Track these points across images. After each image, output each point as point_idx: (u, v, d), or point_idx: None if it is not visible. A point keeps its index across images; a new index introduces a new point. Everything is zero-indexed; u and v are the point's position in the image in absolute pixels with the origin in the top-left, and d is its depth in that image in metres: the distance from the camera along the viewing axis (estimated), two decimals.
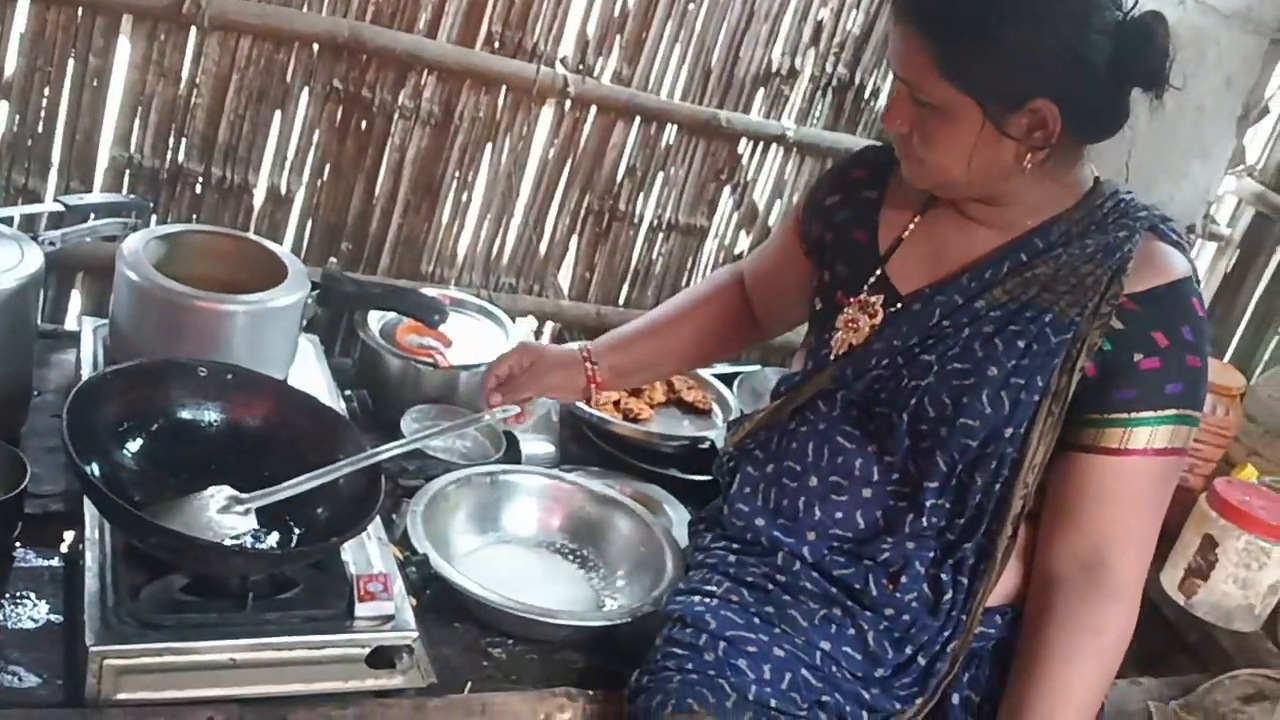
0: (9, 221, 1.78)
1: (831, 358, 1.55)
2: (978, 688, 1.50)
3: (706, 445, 2.19)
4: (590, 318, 2.75)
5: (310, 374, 1.96)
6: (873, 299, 1.54)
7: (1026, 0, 1.34)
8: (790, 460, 1.56)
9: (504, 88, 2.42)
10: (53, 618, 1.46)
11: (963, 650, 1.48)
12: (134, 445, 1.55)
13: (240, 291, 1.78)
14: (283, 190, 2.36)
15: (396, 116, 2.36)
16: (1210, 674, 1.91)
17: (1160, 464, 1.43)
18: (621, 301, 2.79)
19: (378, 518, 1.54)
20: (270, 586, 1.45)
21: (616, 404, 2.22)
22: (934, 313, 1.48)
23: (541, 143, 2.55)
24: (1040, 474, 1.46)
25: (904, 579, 1.49)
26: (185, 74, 2.19)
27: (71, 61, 2.10)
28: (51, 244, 1.78)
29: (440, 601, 1.60)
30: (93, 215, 1.91)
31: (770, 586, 1.53)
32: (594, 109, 2.54)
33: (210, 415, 1.62)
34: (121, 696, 1.32)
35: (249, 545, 1.47)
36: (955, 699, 1.49)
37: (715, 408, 2.36)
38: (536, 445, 2.03)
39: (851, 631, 1.49)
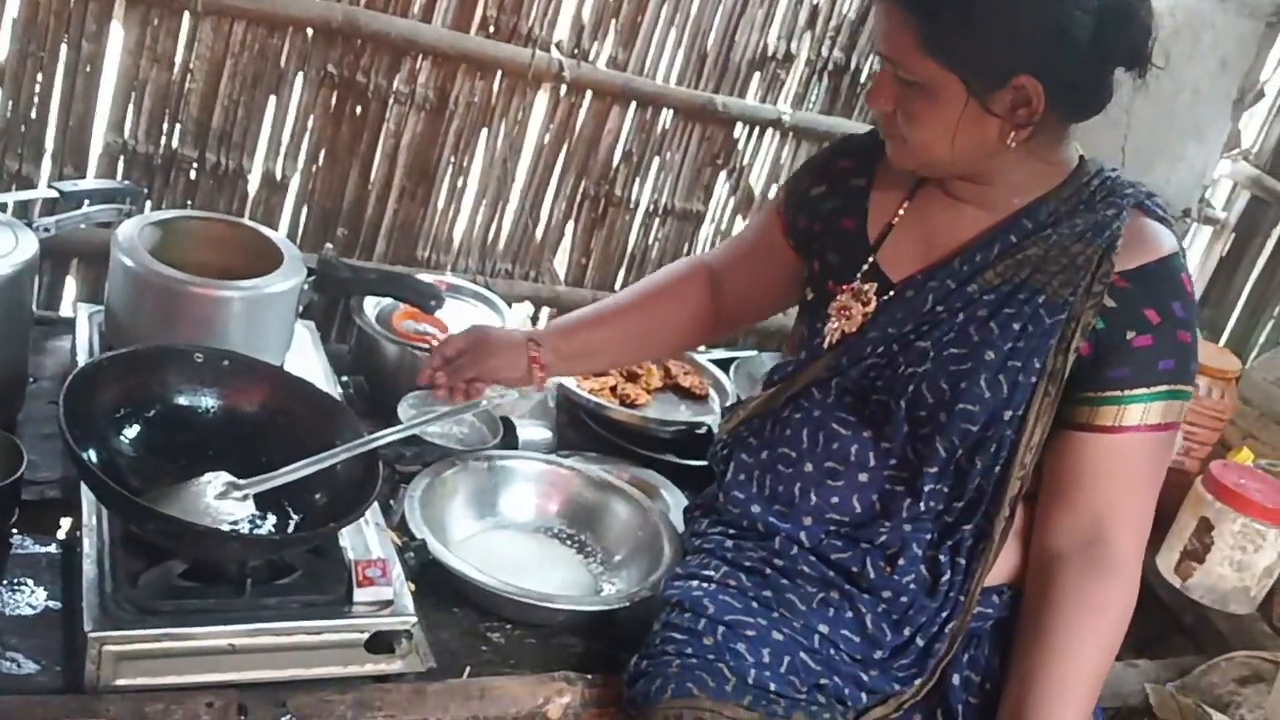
0: (3, 208, 1.78)
1: (825, 346, 1.55)
2: (977, 667, 1.51)
3: (703, 430, 2.19)
4: (586, 303, 2.73)
5: (307, 360, 1.96)
6: (865, 287, 1.54)
7: None
8: (785, 446, 1.57)
9: (499, 72, 2.41)
10: (51, 604, 1.46)
11: (961, 630, 1.49)
12: (131, 431, 1.55)
13: (236, 278, 1.78)
14: (278, 176, 2.35)
15: (391, 101, 2.35)
16: (1206, 656, 1.92)
17: (1154, 439, 1.44)
18: (617, 287, 2.79)
19: (375, 503, 1.53)
20: (269, 572, 1.45)
21: (613, 389, 2.22)
22: (927, 298, 1.48)
23: (537, 128, 2.54)
24: (1038, 454, 1.47)
25: (901, 561, 1.49)
26: (179, 59, 2.17)
27: (65, 47, 2.09)
28: (46, 230, 1.77)
29: (438, 586, 1.61)
30: (87, 201, 1.90)
31: (768, 571, 1.53)
32: (589, 94, 2.53)
33: (207, 401, 1.62)
34: (121, 682, 1.32)
35: (247, 531, 1.47)
36: (955, 679, 1.49)
37: (712, 393, 2.36)
38: (533, 430, 2.03)
39: (850, 614, 1.49)
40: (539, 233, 2.65)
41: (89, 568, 1.39)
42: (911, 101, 1.40)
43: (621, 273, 2.79)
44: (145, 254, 1.75)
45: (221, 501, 1.46)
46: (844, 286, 1.56)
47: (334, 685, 1.40)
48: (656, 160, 2.67)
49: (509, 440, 1.97)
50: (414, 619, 1.48)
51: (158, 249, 1.80)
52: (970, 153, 1.42)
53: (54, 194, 1.88)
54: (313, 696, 1.37)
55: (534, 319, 2.73)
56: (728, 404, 1.76)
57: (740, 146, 2.74)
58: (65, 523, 1.60)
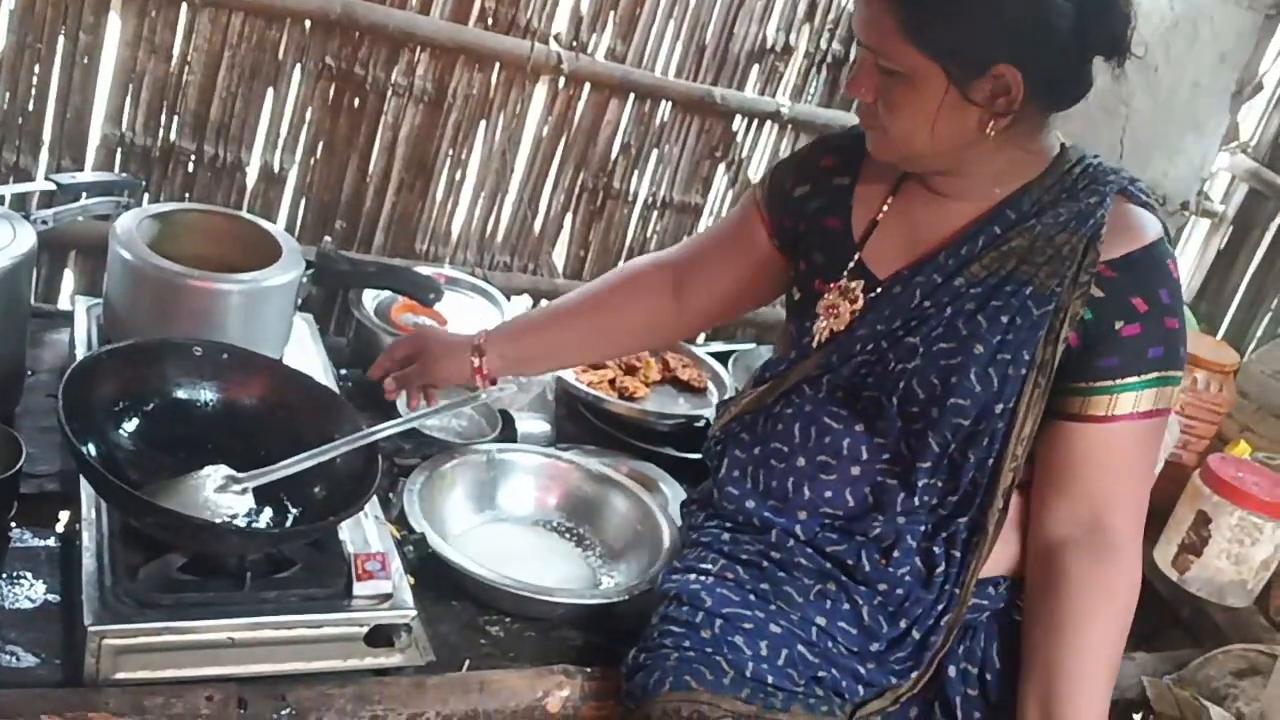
0: (0, 200, 1.77)
1: (814, 345, 1.55)
2: (973, 659, 1.51)
3: (702, 423, 2.19)
4: None
5: (305, 353, 1.96)
6: (852, 285, 1.54)
7: None
8: (777, 441, 1.56)
9: (497, 65, 2.41)
10: (50, 597, 1.46)
11: (956, 623, 1.49)
12: (130, 425, 1.55)
13: (234, 270, 1.78)
14: (276, 168, 2.34)
15: (390, 94, 2.35)
16: (1203, 649, 1.92)
17: (1146, 426, 1.45)
18: None
19: (374, 497, 1.53)
20: (268, 566, 1.45)
21: (612, 382, 2.23)
22: (914, 294, 1.48)
23: (535, 120, 2.54)
24: (1029, 445, 1.47)
25: (896, 554, 1.49)
26: (177, 51, 2.17)
27: (62, 38, 2.09)
28: (44, 223, 1.77)
29: (437, 580, 1.61)
30: (85, 194, 1.89)
31: (765, 564, 1.53)
32: (588, 86, 2.52)
33: (206, 395, 1.62)
34: (120, 676, 1.32)
35: (246, 525, 1.47)
36: (951, 670, 1.50)
37: (710, 386, 2.36)
38: (532, 424, 2.03)
39: (846, 606, 1.50)
40: (537, 225, 2.65)
41: (88, 561, 1.39)
42: (892, 91, 1.40)
43: (620, 265, 2.79)
44: (143, 247, 1.75)
45: (220, 495, 1.46)
46: (831, 285, 1.56)
47: (333, 679, 1.40)
48: (655, 153, 2.67)
49: (508, 433, 1.98)
50: (413, 612, 1.48)
51: (156, 242, 1.80)
52: (950, 142, 1.42)
53: (52, 187, 1.88)
54: (312, 690, 1.37)
55: None
56: (719, 400, 1.75)
57: (739, 139, 2.74)
58: (64, 516, 1.60)
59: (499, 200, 2.58)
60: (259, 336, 1.76)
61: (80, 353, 1.78)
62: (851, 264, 1.55)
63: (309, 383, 1.66)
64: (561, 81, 2.49)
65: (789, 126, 2.75)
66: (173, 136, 2.23)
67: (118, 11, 2.11)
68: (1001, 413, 1.45)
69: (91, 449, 1.44)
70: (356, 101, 2.34)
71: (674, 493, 1.99)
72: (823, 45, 2.69)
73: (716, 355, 2.47)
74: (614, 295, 1.80)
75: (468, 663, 1.53)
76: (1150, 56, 2.86)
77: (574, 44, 2.45)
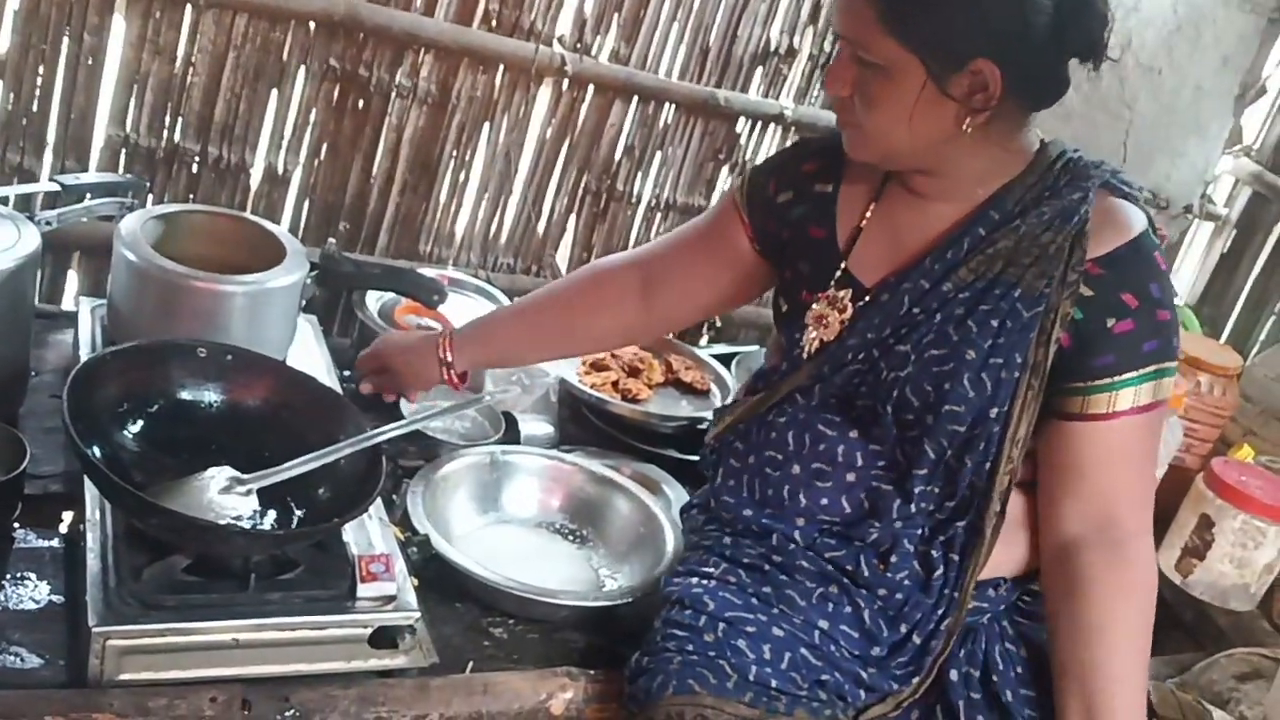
0: (4, 201, 1.78)
1: (805, 356, 1.54)
2: (975, 662, 1.50)
3: (704, 426, 2.19)
4: None
5: (309, 354, 1.96)
6: (840, 294, 1.53)
7: None
8: (771, 450, 1.56)
9: (501, 67, 2.41)
10: (54, 598, 1.46)
11: (956, 626, 1.48)
12: (134, 426, 1.55)
13: (238, 272, 1.78)
14: (280, 170, 2.35)
15: (394, 95, 2.35)
16: (1206, 653, 1.92)
17: (1147, 418, 1.45)
18: None
19: (378, 498, 1.53)
20: (272, 567, 1.45)
21: (615, 384, 2.23)
22: (903, 301, 1.47)
23: (539, 122, 2.54)
24: (1024, 448, 1.47)
25: (894, 558, 1.49)
26: (181, 52, 2.17)
27: (66, 39, 2.09)
28: (48, 224, 1.77)
29: (441, 581, 1.61)
30: (89, 195, 1.90)
31: (766, 567, 1.53)
32: (591, 88, 2.53)
33: (210, 396, 1.62)
34: (124, 677, 1.32)
35: (250, 526, 1.47)
36: (953, 674, 1.49)
37: (713, 388, 2.36)
38: (535, 426, 2.03)
39: (849, 609, 1.49)
40: (541, 227, 2.65)
41: (92, 562, 1.39)
42: (870, 85, 1.40)
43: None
44: (148, 248, 1.75)
45: (225, 496, 1.46)
46: (818, 295, 1.55)
47: (337, 680, 1.40)
48: (658, 155, 2.67)
49: (511, 435, 1.98)
50: (417, 614, 1.48)
51: (160, 243, 1.80)
52: (928, 138, 1.41)
53: (56, 187, 1.88)
54: (316, 691, 1.37)
55: None
56: (716, 408, 1.75)
57: (742, 141, 2.74)
58: (68, 517, 1.60)
59: (502, 202, 2.59)
60: (263, 338, 1.76)
61: (84, 354, 1.78)
62: (838, 273, 1.55)
63: (313, 384, 1.66)
64: (565, 84, 2.49)
65: (793, 129, 2.75)
66: (177, 137, 2.24)
67: (122, 13, 2.11)
68: (996, 416, 1.44)
69: (96, 450, 1.44)
70: (361, 103, 2.35)
71: (677, 495, 1.99)
72: (826, 48, 2.69)
73: (719, 357, 2.47)
74: (581, 296, 1.81)
75: (471, 664, 1.53)
76: (1153, 60, 2.87)
77: (578, 46, 2.46)
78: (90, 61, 2.12)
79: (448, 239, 2.57)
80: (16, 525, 1.53)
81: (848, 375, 1.51)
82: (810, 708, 1.41)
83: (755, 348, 2.66)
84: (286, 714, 1.34)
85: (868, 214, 1.56)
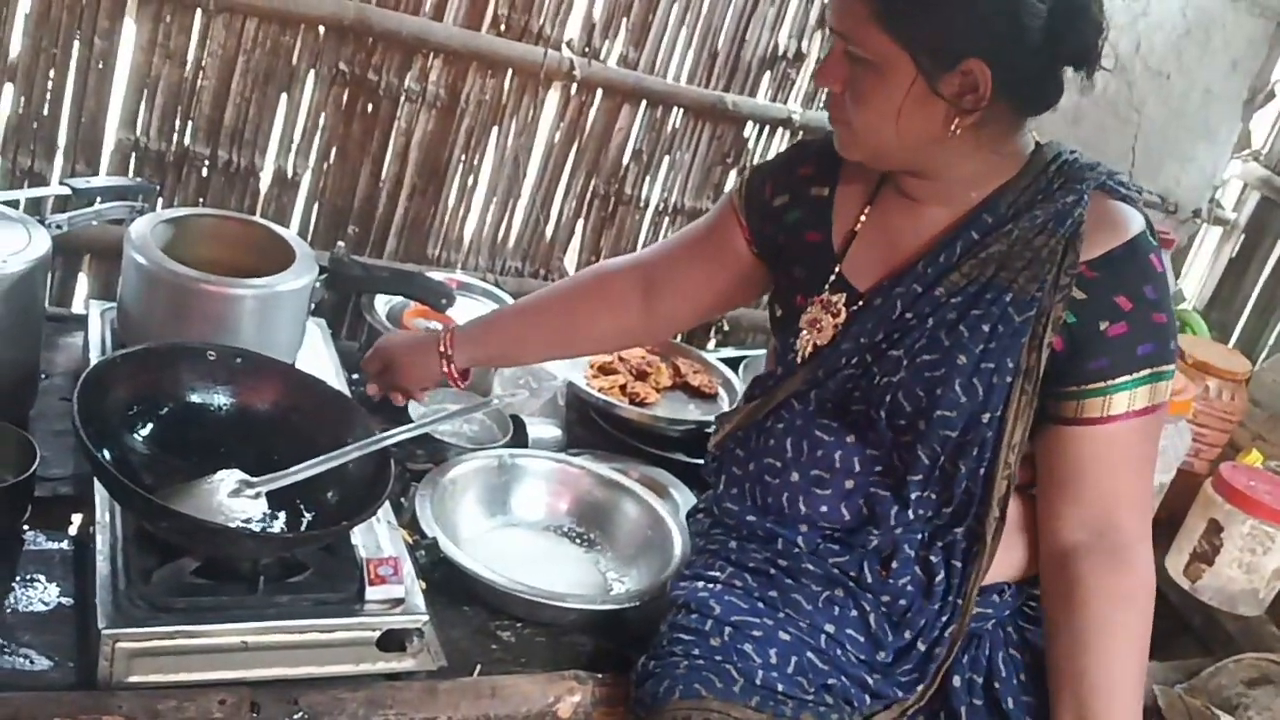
0: (15, 205, 1.78)
1: (799, 360, 1.54)
2: (978, 668, 1.50)
3: (711, 430, 2.19)
4: None
5: (318, 357, 1.96)
6: (834, 298, 1.53)
7: None
8: (770, 457, 1.56)
9: (510, 71, 2.42)
10: (64, 601, 1.46)
11: (961, 633, 1.48)
12: (144, 429, 1.56)
13: (248, 275, 1.78)
14: (289, 173, 2.35)
15: (403, 99, 2.36)
16: (1215, 658, 1.92)
17: (1144, 422, 1.43)
18: None
19: (387, 501, 1.54)
20: (281, 570, 1.45)
21: (623, 388, 2.23)
22: (895, 305, 1.47)
23: (547, 126, 2.55)
24: (1021, 452, 1.46)
25: (895, 564, 1.49)
26: (191, 56, 2.18)
27: (77, 43, 2.10)
28: (58, 227, 1.78)
29: (449, 585, 1.61)
30: (99, 198, 1.91)
31: (772, 571, 1.53)
32: (600, 92, 2.53)
33: (219, 399, 1.62)
34: (134, 679, 1.33)
35: (259, 529, 1.48)
36: (956, 681, 1.49)
37: (721, 391, 2.36)
38: (543, 429, 2.04)
39: (854, 613, 1.49)
40: (549, 231, 2.66)
41: (102, 564, 1.39)
42: (860, 81, 1.39)
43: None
44: (158, 251, 1.75)
45: (234, 499, 1.46)
46: (813, 299, 1.55)
47: (346, 683, 1.40)
48: (667, 159, 2.68)
49: (519, 438, 1.98)
50: (425, 617, 1.48)
51: (170, 246, 1.80)
52: (916, 138, 1.41)
53: (66, 191, 1.88)
54: (324, 694, 1.37)
55: None
56: (718, 415, 1.75)
57: (750, 145, 2.75)
58: (77, 519, 1.60)
59: (511, 206, 2.59)
60: (272, 341, 1.76)
61: (94, 357, 1.78)
62: (832, 277, 1.55)
63: (322, 387, 1.67)
64: (574, 88, 2.49)
65: (800, 133, 2.75)
66: (187, 141, 2.25)
67: (132, 17, 2.12)
68: (989, 421, 1.43)
69: (106, 453, 1.44)
70: (370, 107, 2.36)
71: (684, 498, 1.99)
72: None
73: (727, 361, 2.47)
74: (584, 296, 1.80)
75: (479, 668, 1.53)
76: (1162, 64, 2.87)
77: (586, 50, 2.46)
78: (101, 65, 2.13)
79: (456, 242, 2.58)
80: (26, 527, 1.54)
81: (841, 380, 1.51)
82: (817, 712, 1.40)
83: (763, 351, 2.66)
84: (295, 716, 1.34)
85: (862, 218, 1.56)
